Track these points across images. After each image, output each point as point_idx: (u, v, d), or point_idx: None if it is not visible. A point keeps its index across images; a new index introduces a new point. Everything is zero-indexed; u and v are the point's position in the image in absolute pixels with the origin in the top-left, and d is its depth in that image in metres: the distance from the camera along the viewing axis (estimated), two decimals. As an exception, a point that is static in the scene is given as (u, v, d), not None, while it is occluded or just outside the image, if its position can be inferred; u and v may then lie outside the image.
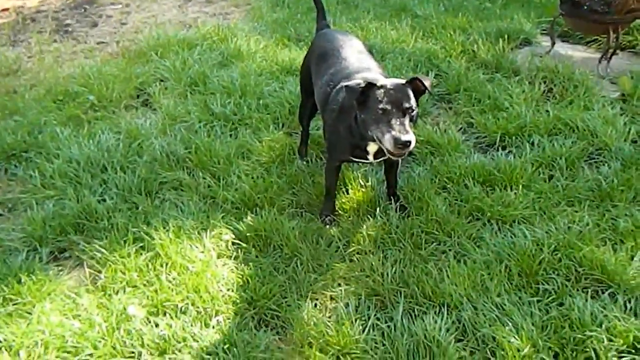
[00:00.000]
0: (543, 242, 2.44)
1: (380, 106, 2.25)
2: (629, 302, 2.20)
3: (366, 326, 2.14)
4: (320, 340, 2.09)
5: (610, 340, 2.01)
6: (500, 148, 3.24)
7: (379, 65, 2.75)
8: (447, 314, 2.18)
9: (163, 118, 3.59)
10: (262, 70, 4.08)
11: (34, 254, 2.58)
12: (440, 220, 2.66)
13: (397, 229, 2.60)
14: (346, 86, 2.35)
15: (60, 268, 2.52)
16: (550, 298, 2.23)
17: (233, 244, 2.60)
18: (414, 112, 2.31)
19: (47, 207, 2.83)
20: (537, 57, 4.12)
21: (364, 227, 2.65)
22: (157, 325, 2.17)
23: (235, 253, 2.55)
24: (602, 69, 3.97)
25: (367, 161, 2.57)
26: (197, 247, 2.55)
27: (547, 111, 3.46)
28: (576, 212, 2.68)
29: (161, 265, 2.43)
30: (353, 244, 2.56)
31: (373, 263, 2.43)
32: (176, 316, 2.22)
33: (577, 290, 2.26)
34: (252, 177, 2.99)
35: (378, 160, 2.56)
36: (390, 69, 3.99)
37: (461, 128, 3.47)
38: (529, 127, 3.31)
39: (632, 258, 2.38)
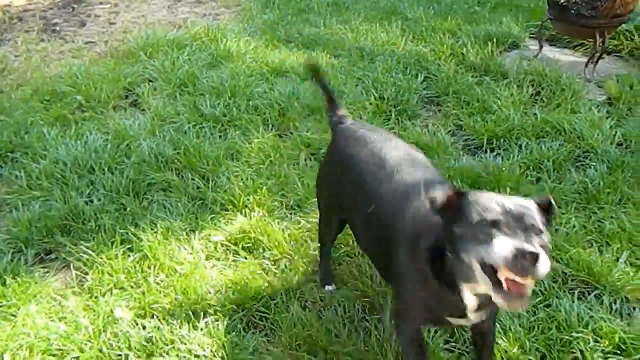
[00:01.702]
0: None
1: (487, 216, 1.40)
2: (615, 303, 2.23)
3: (355, 328, 2.14)
4: (309, 343, 2.09)
5: (596, 342, 2.03)
6: (488, 150, 3.27)
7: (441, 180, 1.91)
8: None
9: (152, 119, 3.56)
10: (252, 72, 4.07)
11: (20, 255, 2.54)
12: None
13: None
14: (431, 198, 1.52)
15: (46, 270, 2.49)
16: (538, 300, 2.24)
17: (222, 245, 2.58)
18: (545, 236, 1.41)
19: (33, 208, 2.80)
20: (525, 61, 4.16)
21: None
22: (144, 328, 2.15)
23: (224, 255, 2.54)
24: (588, 72, 4.01)
25: (467, 323, 1.72)
26: (185, 249, 2.53)
27: (535, 114, 3.49)
28: (563, 214, 2.71)
29: (149, 267, 2.42)
30: (342, 246, 2.56)
31: (362, 265, 2.44)
32: (164, 318, 2.20)
33: (564, 291, 2.28)
34: (242, 179, 2.98)
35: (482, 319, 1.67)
36: (380, 71, 4.00)
37: (450, 130, 3.49)
38: (517, 129, 3.33)
39: (617, 260, 2.41)
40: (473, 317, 1.61)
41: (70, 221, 2.70)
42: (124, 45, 4.76)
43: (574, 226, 2.60)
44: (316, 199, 2.40)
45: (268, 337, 2.17)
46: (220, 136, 3.39)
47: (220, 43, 4.52)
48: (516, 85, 3.85)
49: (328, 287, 2.34)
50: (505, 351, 2.01)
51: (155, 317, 2.21)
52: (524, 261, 1.29)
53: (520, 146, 3.21)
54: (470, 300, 1.55)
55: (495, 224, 1.38)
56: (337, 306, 2.26)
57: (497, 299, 1.38)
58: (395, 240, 1.73)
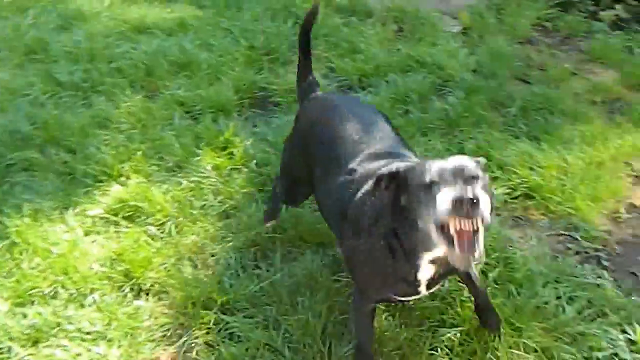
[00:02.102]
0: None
1: (427, 179, 1.45)
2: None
3: (247, 276, 2.20)
4: (204, 299, 2.11)
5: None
6: (360, 89, 3.39)
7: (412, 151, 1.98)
8: (323, 252, 2.31)
9: (1, 93, 3.21)
10: (111, 31, 3.80)
11: None
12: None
13: (269, 180, 2.65)
14: (376, 178, 1.57)
15: None
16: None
17: (100, 218, 2.47)
18: (485, 181, 1.48)
19: None
20: (386, -1, 4.30)
21: (237, 182, 2.66)
22: (25, 316, 2.03)
23: (104, 228, 2.43)
24: (442, 3, 4.25)
25: (418, 296, 1.75)
26: (60, 228, 2.39)
27: (399, 49, 3.67)
28: (429, 140, 2.93)
29: (20, 253, 2.26)
30: (227, 200, 2.57)
31: (249, 216, 2.47)
32: (46, 303, 2.09)
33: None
34: (113, 147, 2.83)
35: (432, 291, 1.77)
36: (248, 20, 3.92)
37: (323, 73, 3.56)
38: (383, 66, 3.49)
39: (477, 175, 2.68)
40: (424, 289, 1.66)
41: None
42: (-47, 12, 4.15)
43: (439, 150, 2.83)
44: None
45: (162, 300, 2.15)
46: (83, 104, 3.16)
47: (69, 2, 4.12)
48: (381, 23, 3.99)
49: (271, 222, 2.36)
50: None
51: (35, 303, 2.09)
52: (465, 206, 1.34)
53: (388, 82, 3.37)
54: (426, 271, 1.60)
55: (435, 183, 1.43)
56: (229, 259, 2.29)
57: (452, 256, 1.43)
58: (347, 220, 1.74)
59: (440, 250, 1.49)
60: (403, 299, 1.77)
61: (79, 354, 1.93)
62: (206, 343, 2.00)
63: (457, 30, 4.00)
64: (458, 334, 1.96)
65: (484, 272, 2.17)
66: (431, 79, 3.41)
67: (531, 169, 2.70)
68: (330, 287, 2.14)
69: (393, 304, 2.03)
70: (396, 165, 1.62)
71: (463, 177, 1.43)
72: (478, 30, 3.96)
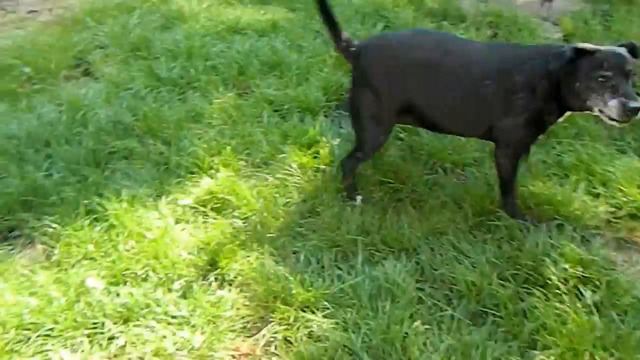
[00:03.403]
0: (493, 183, 2.52)
1: (601, 73, 2.06)
2: (575, 231, 2.32)
3: (328, 276, 2.18)
4: (284, 294, 2.12)
5: (559, 265, 2.12)
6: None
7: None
8: (406, 257, 2.25)
9: (106, 86, 3.44)
10: (207, 31, 3.95)
11: (-19, 235, 2.47)
12: (395, 169, 2.70)
13: (356, 181, 2.63)
14: (554, 53, 2.14)
15: (11, 247, 2.43)
16: (502, 234, 2.32)
17: (190, 208, 2.56)
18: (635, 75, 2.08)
19: (-10, 186, 2.70)
20: (482, 3, 4.15)
21: (321, 182, 2.66)
22: (118, 295, 2.13)
23: (193, 217, 2.52)
24: (544, 10, 4.04)
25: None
26: (153, 215, 2.50)
27: (494, 55, 3.51)
28: (524, 151, 2.77)
29: (117, 236, 2.38)
30: (311, 199, 2.58)
31: (332, 216, 2.46)
32: (137, 284, 2.19)
33: (527, 224, 2.35)
34: (205, 141, 2.93)
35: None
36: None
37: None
38: (476, 72, 3.35)
39: (576, 190, 2.49)
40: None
41: (30, 196, 2.62)
42: (70, 12, 4.52)
43: (536, 162, 2.67)
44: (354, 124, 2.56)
45: (244, 292, 2.19)
46: (179, 99, 3.30)
47: (172, 4, 4.35)
48: (475, 28, 3.86)
49: (358, 198, 2.54)
50: (474, 284, 2.08)
51: (128, 283, 2.20)
52: (630, 113, 2.02)
53: (480, 88, 3.23)
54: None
55: (606, 78, 2.05)
56: (310, 257, 2.29)
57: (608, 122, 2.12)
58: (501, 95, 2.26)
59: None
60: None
61: (164, 337, 1.99)
62: (285, 339, 2.00)
63: (557, 37, 3.77)
64: (552, 358, 1.82)
65: (582, 293, 2.01)
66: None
67: (639, 187, 2.48)
68: (412, 295, 2.08)
69: None
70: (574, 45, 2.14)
71: (626, 73, 2.06)
72: (581, 38, 3.71)
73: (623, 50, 2.12)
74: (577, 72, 2.11)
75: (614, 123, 2.09)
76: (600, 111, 2.10)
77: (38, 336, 1.99)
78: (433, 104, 2.39)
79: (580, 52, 2.10)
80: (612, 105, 2.04)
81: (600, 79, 2.06)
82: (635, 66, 2.10)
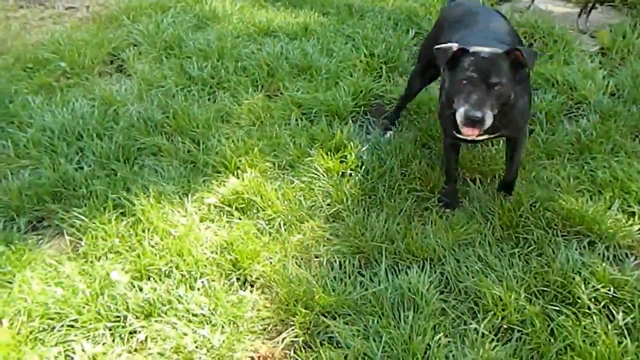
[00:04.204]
0: (523, 195, 2.47)
1: (465, 75, 2.04)
2: (607, 249, 2.25)
3: (351, 282, 2.16)
4: (306, 298, 2.10)
5: (591, 286, 2.05)
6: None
7: (513, 39, 2.47)
8: (431, 267, 2.21)
9: (138, 83, 3.49)
10: (239, 32, 3.98)
11: (12, 224, 2.52)
12: (422, 177, 2.67)
13: (380, 188, 2.60)
14: (436, 48, 2.17)
15: (39, 237, 2.48)
16: (531, 249, 2.26)
17: (215, 207, 2.57)
18: (502, 88, 2.04)
19: (23, 176, 2.75)
20: (517, 13, 4.08)
21: (347, 186, 2.64)
22: (141, 290, 2.15)
23: (217, 216, 2.53)
24: (581, 23, 3.95)
25: (470, 139, 2.25)
26: (178, 212, 2.52)
27: (528, 66, 3.44)
28: (556, 165, 2.70)
29: (143, 231, 2.41)
30: (336, 204, 2.56)
31: (356, 221, 2.44)
32: (160, 280, 2.20)
33: (557, 240, 2.29)
34: (233, 141, 2.94)
35: (483, 139, 2.34)
36: (370, 28, 3.92)
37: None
38: (509, 82, 3.29)
39: (609, 208, 2.42)
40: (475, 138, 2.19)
41: (60, 188, 2.67)
42: (106, 9, 4.61)
43: (567, 176, 2.61)
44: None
45: (265, 294, 2.19)
46: (209, 99, 3.33)
47: (206, 4, 4.39)
48: (508, 38, 3.79)
49: (389, 132, 2.98)
50: (500, 298, 2.04)
51: (151, 279, 2.22)
52: (469, 123, 2.02)
53: (512, 99, 3.17)
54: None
55: (469, 80, 2.04)
56: (333, 262, 2.28)
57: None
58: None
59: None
60: (463, 138, 2.26)
61: (185, 334, 2.00)
62: (305, 343, 1.99)
63: (594, 50, 3.68)
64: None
65: (613, 314, 1.94)
66: (561, 99, 3.16)
67: (676, 207, 2.39)
68: (436, 306, 2.04)
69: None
70: (456, 45, 2.12)
71: (488, 81, 2.03)
72: (619, 52, 3.62)
73: (502, 55, 2.07)
74: (453, 71, 2.11)
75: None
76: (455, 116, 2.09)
77: (62, 326, 2.02)
78: None
79: (462, 51, 2.09)
80: (459, 113, 2.05)
81: (463, 82, 2.06)
82: (503, 71, 2.05)
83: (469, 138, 2.22)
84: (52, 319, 2.05)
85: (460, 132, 2.22)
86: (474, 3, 2.90)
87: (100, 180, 2.70)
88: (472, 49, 2.09)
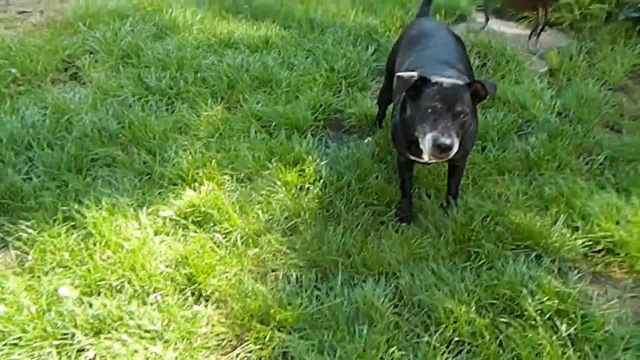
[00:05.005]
0: (475, 210, 2.54)
1: (430, 104, 2.10)
2: (553, 263, 2.34)
3: (307, 296, 2.16)
4: (262, 312, 2.09)
5: (536, 296, 2.13)
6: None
7: (462, 62, 2.56)
8: (386, 281, 2.24)
9: (94, 92, 3.41)
10: (199, 43, 3.96)
11: (-48, 237, 2.41)
12: (379, 192, 2.71)
13: (338, 202, 2.63)
14: (398, 76, 2.21)
15: (-17, 251, 2.37)
16: (481, 262, 2.33)
17: (171, 220, 2.53)
18: (466, 117, 2.12)
19: (-34, 187, 2.64)
20: (472, 33, 4.23)
21: (305, 200, 2.65)
22: (91, 305, 2.09)
23: (173, 229, 2.49)
24: (532, 44, 4.14)
25: (423, 161, 2.37)
26: (132, 225, 2.46)
27: (481, 85, 3.57)
28: (506, 181, 2.81)
29: (94, 244, 2.34)
30: (294, 217, 2.57)
31: (313, 235, 2.45)
32: (111, 295, 2.15)
33: (506, 254, 2.37)
34: (190, 153, 2.91)
35: (433, 162, 2.42)
36: (331, 43, 3.98)
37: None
38: (463, 100, 3.40)
39: (555, 222, 2.52)
40: (427, 158, 2.28)
41: (7, 200, 2.57)
42: (61, 15, 4.49)
43: (517, 192, 2.71)
44: None
45: (220, 309, 2.16)
46: (167, 109, 3.29)
47: (165, 14, 4.34)
48: (463, 57, 3.92)
49: (368, 139, 3.09)
50: (452, 312, 2.08)
51: (102, 294, 2.15)
52: (438, 149, 2.06)
53: (466, 116, 3.28)
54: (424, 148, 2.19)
55: (433, 109, 2.10)
56: (290, 276, 2.28)
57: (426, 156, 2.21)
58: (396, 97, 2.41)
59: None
60: (416, 159, 2.39)
61: (136, 351, 1.95)
62: (259, 358, 1.97)
63: (543, 71, 3.86)
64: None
65: (557, 326, 2.02)
66: (512, 117, 3.29)
67: (617, 222, 2.52)
68: (390, 319, 2.07)
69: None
70: (416, 74, 2.17)
71: (453, 111, 2.09)
72: (566, 72, 3.81)
73: (463, 86, 2.15)
74: (415, 99, 2.18)
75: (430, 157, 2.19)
76: (421, 142, 2.16)
77: (4, 345, 1.93)
78: None
79: (424, 80, 2.15)
80: (427, 139, 2.10)
81: (427, 110, 2.11)
82: (466, 101, 2.13)
83: (421, 161, 2.32)
84: (-7, 337, 1.96)
85: (414, 155, 2.32)
86: (430, 24, 2.97)
87: (50, 191, 2.62)
88: (434, 79, 2.15)
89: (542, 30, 4.17)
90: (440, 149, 2.06)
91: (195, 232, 2.47)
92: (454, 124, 2.10)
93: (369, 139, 3.10)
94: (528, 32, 4.27)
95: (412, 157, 2.39)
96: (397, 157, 2.58)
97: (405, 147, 2.36)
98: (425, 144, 2.11)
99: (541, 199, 2.69)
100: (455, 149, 2.09)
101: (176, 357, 1.94)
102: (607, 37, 4.18)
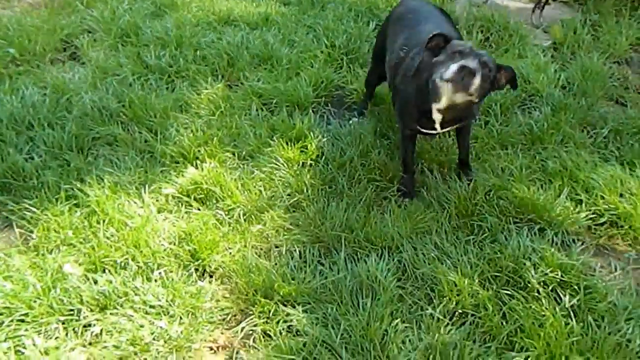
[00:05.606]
0: (478, 184, 2.54)
1: (458, 48, 2.12)
2: (556, 236, 2.34)
3: (310, 271, 2.17)
4: (265, 287, 2.11)
5: (539, 268, 2.13)
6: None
7: (458, 37, 2.61)
8: (389, 255, 2.25)
9: (93, 71, 3.38)
10: (199, 21, 3.91)
11: (-43, 216, 2.42)
12: (381, 167, 2.70)
13: (340, 178, 2.62)
14: (435, 34, 2.21)
15: (-13, 230, 2.38)
16: (484, 236, 2.33)
17: (173, 197, 2.53)
18: (490, 73, 2.14)
19: (-32, 167, 2.64)
20: (474, 7, 4.16)
21: (307, 176, 2.65)
22: (96, 282, 2.10)
23: (176, 207, 2.49)
24: (535, 18, 4.07)
25: (435, 132, 2.43)
26: (135, 203, 2.47)
27: (484, 59, 3.53)
28: (509, 155, 2.79)
29: (98, 222, 2.35)
30: (296, 194, 2.56)
31: (316, 211, 2.45)
32: (116, 272, 2.16)
33: (509, 227, 2.37)
34: (192, 130, 2.90)
35: (446, 130, 2.44)
36: (331, 19, 3.92)
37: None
38: (466, 75, 3.36)
39: (559, 196, 2.51)
40: (439, 128, 2.37)
41: (10, 179, 2.57)
42: (59, -6, 4.43)
43: (520, 166, 2.69)
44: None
45: (224, 284, 2.18)
46: (167, 88, 3.26)
47: (164, -9, 4.28)
48: (466, 31, 3.87)
49: (355, 119, 3.06)
50: (455, 284, 2.09)
51: (107, 271, 2.17)
52: (463, 74, 2.03)
53: (469, 91, 3.25)
54: (437, 116, 2.30)
55: (460, 53, 2.10)
56: (293, 252, 2.28)
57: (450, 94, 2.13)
58: (401, 72, 2.46)
59: (444, 100, 2.19)
60: (426, 131, 2.43)
61: (141, 326, 1.97)
62: (264, 332, 1.99)
63: (547, 45, 3.80)
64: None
65: (560, 297, 2.03)
66: (516, 91, 3.25)
67: (621, 195, 2.51)
68: (394, 293, 2.08)
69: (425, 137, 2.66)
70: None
71: (479, 58, 2.11)
72: (570, 46, 3.75)
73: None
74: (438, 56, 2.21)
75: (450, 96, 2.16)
76: (442, 78, 2.12)
77: (11, 321, 1.95)
78: None
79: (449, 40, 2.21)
80: (450, 69, 2.07)
81: (455, 54, 2.14)
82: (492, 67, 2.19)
83: (431, 132, 2.37)
84: (0, 314, 1.97)
85: (424, 127, 2.35)
86: (415, 2, 2.91)
87: (52, 170, 2.61)
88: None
89: (545, 3, 4.09)
90: (464, 71, 2.01)
91: (198, 209, 2.48)
92: (480, 65, 2.07)
93: (355, 119, 3.06)
94: (531, 5, 4.19)
95: (423, 130, 2.41)
96: (401, 132, 2.57)
97: (416, 119, 2.38)
98: (447, 75, 2.06)
99: (545, 172, 2.68)
100: (478, 81, 2.04)
101: (181, 332, 1.96)
102: (612, 9, 4.11)
